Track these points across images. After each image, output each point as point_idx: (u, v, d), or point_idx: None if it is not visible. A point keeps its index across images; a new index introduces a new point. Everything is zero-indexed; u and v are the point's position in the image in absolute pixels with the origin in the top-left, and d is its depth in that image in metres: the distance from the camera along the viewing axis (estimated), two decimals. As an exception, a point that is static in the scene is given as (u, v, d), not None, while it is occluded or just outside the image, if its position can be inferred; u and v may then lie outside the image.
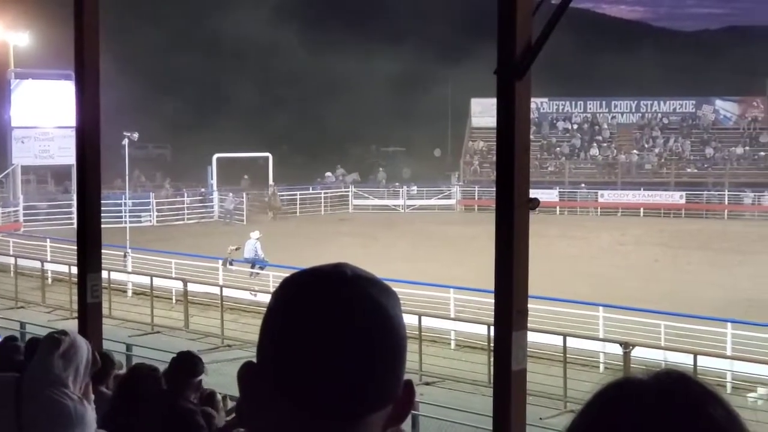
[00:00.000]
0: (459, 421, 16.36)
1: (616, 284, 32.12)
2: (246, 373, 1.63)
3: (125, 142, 38.70)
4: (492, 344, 11.79)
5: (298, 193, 59.22)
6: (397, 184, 64.70)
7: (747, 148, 69.73)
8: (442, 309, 26.67)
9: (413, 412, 15.80)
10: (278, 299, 1.64)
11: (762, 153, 69.49)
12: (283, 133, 73.79)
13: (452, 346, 25.12)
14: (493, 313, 9.03)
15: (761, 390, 20.69)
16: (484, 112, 65.03)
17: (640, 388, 1.40)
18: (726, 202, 61.96)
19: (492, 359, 11.50)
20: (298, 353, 1.57)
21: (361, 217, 56.33)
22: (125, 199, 46.76)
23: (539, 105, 71.38)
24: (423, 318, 23.59)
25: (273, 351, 1.60)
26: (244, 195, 54.80)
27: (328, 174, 65.66)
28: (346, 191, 62.45)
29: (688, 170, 68.21)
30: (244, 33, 77.25)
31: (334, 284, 1.61)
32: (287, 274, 1.71)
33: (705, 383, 1.42)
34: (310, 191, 60.92)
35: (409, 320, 22.98)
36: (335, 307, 1.58)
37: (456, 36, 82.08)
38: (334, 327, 1.57)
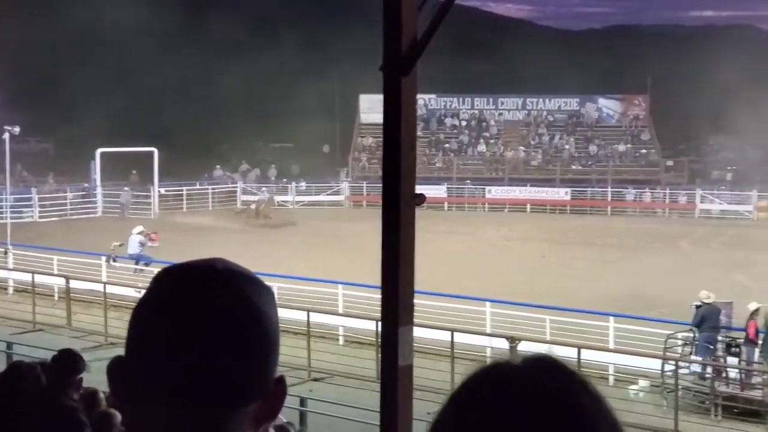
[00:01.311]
0: (348, 417, 16.35)
1: (503, 280, 32.49)
2: (115, 368, 1.62)
3: (5, 136, 37.82)
4: (380, 340, 11.81)
5: (184, 188, 58.59)
6: (285, 180, 64.47)
7: (629, 145, 71.24)
8: (332, 305, 26.64)
9: (302, 408, 15.75)
10: (148, 293, 1.64)
11: (643, 150, 71.08)
12: (171, 128, 72.86)
13: (341, 341, 25.11)
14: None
15: (642, 382, 21.12)
16: (372, 108, 65.12)
17: (509, 374, 1.39)
18: (609, 198, 63.18)
19: (380, 355, 11.52)
20: (165, 346, 1.56)
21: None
22: (6, 194, 45.67)
23: (427, 101, 71.86)
24: (312, 314, 23.52)
25: (141, 344, 1.60)
26: (155, 189, 54.34)
27: (217, 168, 65.17)
28: (234, 187, 61.98)
29: (573, 167, 69.40)
30: (126, 25, 75.99)
31: (203, 278, 1.61)
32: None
33: (574, 370, 1.41)
34: (197, 187, 60.28)
35: (297, 316, 22.97)
36: (203, 300, 1.59)
37: (345, 31, 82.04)
38: (200, 320, 1.57)
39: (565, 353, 20.54)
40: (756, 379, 19.94)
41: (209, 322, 1.57)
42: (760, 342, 19.86)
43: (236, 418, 1.59)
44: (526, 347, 20.32)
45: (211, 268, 1.63)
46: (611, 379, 21.89)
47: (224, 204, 58.84)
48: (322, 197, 62.92)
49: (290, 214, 54.50)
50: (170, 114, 73.50)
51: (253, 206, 52.51)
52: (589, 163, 69.59)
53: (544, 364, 1.40)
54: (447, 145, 71.42)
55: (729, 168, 75.40)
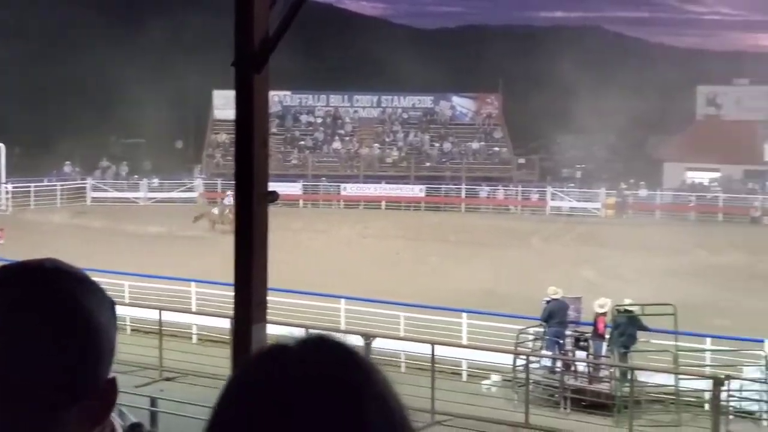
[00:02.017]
0: (200, 417, 16.11)
1: (358, 277, 32.57)
2: None
3: None
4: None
5: (32, 185, 57.08)
6: (137, 176, 63.40)
7: (482, 143, 72.28)
8: (185, 303, 26.28)
9: (153, 408, 15.47)
10: None
11: (496, 148, 72.23)
12: (18, 124, 70.81)
13: (194, 340, 24.79)
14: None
15: (494, 377, 21.42)
16: (226, 104, 64.44)
17: (284, 353, 1.40)
18: (463, 195, 64.00)
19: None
20: None
21: (100, 210, 54.84)
22: None
23: (282, 98, 71.60)
24: (164, 312, 23.14)
25: None
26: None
27: (67, 164, 63.65)
28: (83, 183, 60.68)
29: (428, 164, 70.04)
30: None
31: (29, 278, 1.60)
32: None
33: (351, 348, 1.43)
34: (45, 183, 58.79)
35: (149, 315, 22.59)
36: (27, 299, 1.57)
37: (197, 24, 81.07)
38: (23, 318, 1.56)
39: (419, 349, 20.75)
40: (603, 373, 20.44)
41: (33, 319, 1.55)
42: (607, 336, 20.35)
43: (60, 419, 1.56)
44: (380, 344, 20.42)
45: (39, 267, 1.62)
46: (464, 374, 22.16)
47: (72, 201, 57.54)
48: (175, 194, 62.10)
49: (142, 211, 53.62)
50: (17, 108, 71.45)
51: (215, 210, 50.31)
52: (444, 160, 70.35)
53: (320, 344, 1.42)
54: (302, 142, 71.27)
55: (578, 166, 77.27)
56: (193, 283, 26.69)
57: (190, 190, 63.48)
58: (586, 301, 22.82)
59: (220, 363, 21.04)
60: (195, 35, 78.10)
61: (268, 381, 1.37)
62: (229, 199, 48.92)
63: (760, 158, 63.66)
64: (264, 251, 8.49)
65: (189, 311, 25.63)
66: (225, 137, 67.48)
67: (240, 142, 8.42)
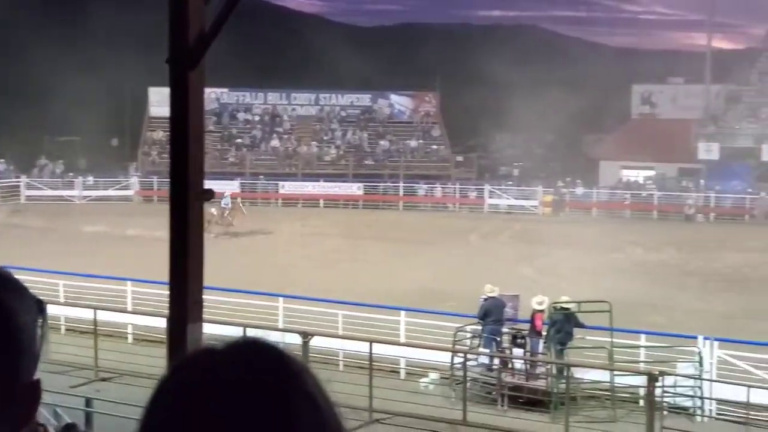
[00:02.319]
0: (136, 417, 15.91)
1: (297, 275, 32.47)
2: None
3: None
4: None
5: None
6: (72, 174, 62.67)
7: (420, 141, 72.44)
8: (121, 302, 26.00)
9: (88, 409, 15.29)
10: None
11: (434, 146, 72.43)
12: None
13: (130, 340, 24.54)
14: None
15: (432, 375, 21.46)
16: (162, 101, 63.94)
17: (216, 356, 1.40)
18: (401, 193, 64.10)
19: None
20: None
21: (34, 208, 54.12)
22: None
23: (219, 95, 71.18)
24: (99, 312, 22.86)
25: None
26: None
27: (1, 162, 62.74)
28: (17, 182, 59.87)
29: (366, 162, 70.04)
30: None
31: None
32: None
33: (282, 350, 1.43)
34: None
35: (84, 314, 22.30)
36: None
37: (134, 20, 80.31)
38: None
39: (357, 348, 20.72)
40: (540, 370, 20.56)
41: None
42: (544, 333, 20.48)
43: None
44: (318, 342, 20.36)
45: None
46: (403, 372, 22.18)
47: (6, 200, 56.75)
48: (110, 192, 61.50)
49: (77, 210, 53.01)
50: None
51: (214, 210, 46.64)
52: (382, 158, 70.40)
53: (251, 347, 1.42)
54: (240, 140, 70.93)
55: (516, 164, 77.76)
56: (129, 282, 26.42)
57: (126, 188, 62.91)
58: (523, 299, 22.94)
59: (157, 363, 20.87)
60: (131, 31, 77.37)
61: (199, 384, 1.36)
62: (227, 199, 47.92)
63: (694, 156, 64.47)
64: (200, 249, 8.41)
65: (125, 311, 25.36)
66: (161, 134, 66.89)
67: (175, 140, 8.34)
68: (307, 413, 1.36)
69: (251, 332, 21.15)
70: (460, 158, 72.89)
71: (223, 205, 47.11)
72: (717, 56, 70.05)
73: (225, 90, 71.64)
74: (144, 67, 61.38)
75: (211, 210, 46.83)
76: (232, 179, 61.90)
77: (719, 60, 69.44)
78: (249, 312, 23.96)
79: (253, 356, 1.40)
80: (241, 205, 49.69)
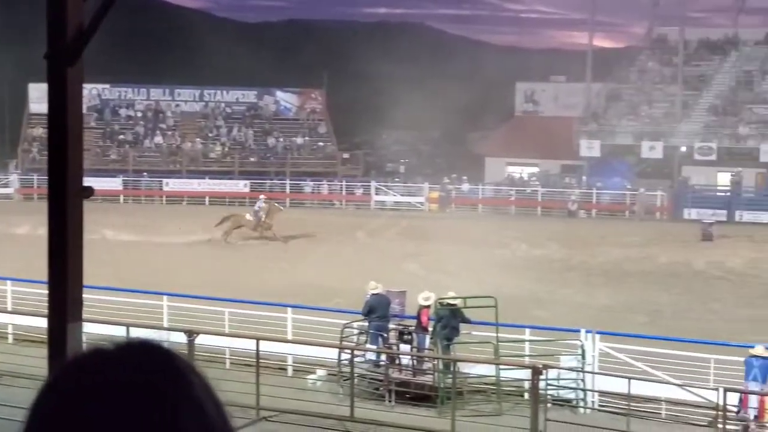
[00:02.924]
0: (17, 419, 15.56)
1: (181, 273, 32.10)
2: None
3: None
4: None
5: None
6: (-51, 172, 61.12)
7: (307, 138, 72.30)
8: (2, 302, 25.38)
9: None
10: None
11: (321, 143, 72.36)
12: None
13: (10, 340, 23.98)
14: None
15: (320, 372, 21.42)
16: (42, 97, 62.35)
17: (101, 359, 1.38)
18: (288, 190, 63.91)
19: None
20: None
21: None
22: None
23: (101, 91, 70.01)
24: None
25: None
26: None
27: None
28: None
29: (252, 159, 69.66)
30: None
31: None
32: None
33: (169, 351, 1.42)
34: None
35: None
36: None
37: (14, 16, 78.57)
38: None
39: (244, 345, 20.58)
40: (427, 365, 20.68)
41: None
42: (430, 329, 20.59)
43: None
44: (204, 340, 20.15)
45: None
46: (290, 369, 22.09)
47: None
48: (-11, 190, 60.11)
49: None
50: None
51: (249, 216, 45.70)
52: (268, 155, 70.09)
53: (137, 349, 1.41)
54: (122, 136, 69.89)
55: (402, 161, 78.17)
56: (8, 282, 25.79)
57: (6, 186, 61.47)
58: (410, 295, 23.04)
59: (38, 363, 20.44)
60: (11, 25, 75.62)
61: (84, 387, 1.34)
62: (261, 202, 46.50)
63: (576, 153, 65.64)
64: (79, 248, 8.24)
65: (5, 310, 24.77)
66: (41, 131, 65.49)
67: (53, 137, 8.16)
68: (192, 413, 1.36)
69: (135, 331, 20.85)
70: (346, 155, 72.97)
71: (256, 209, 46.00)
72: (598, 55, 71.39)
73: (106, 86, 70.46)
74: (24, 63, 60.14)
75: (246, 216, 45.86)
76: (114, 176, 60.99)
77: (600, 58, 70.79)
78: (133, 311, 23.59)
79: (140, 357, 1.39)
80: (277, 205, 48.12)
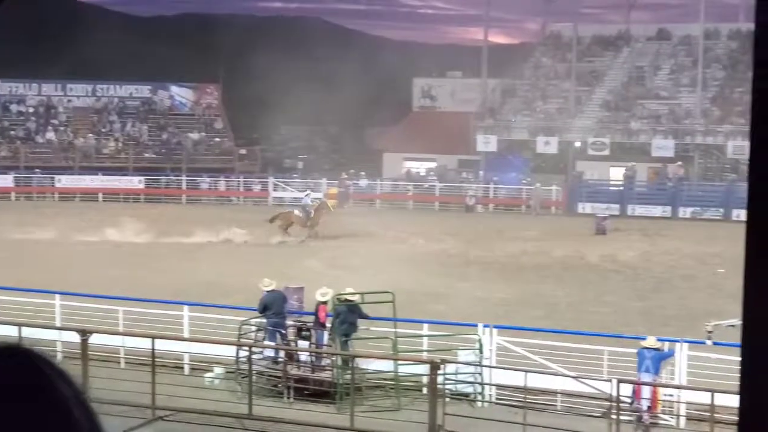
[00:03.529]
0: None
1: (75, 271, 31.53)
2: None
3: None
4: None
5: None
6: None
7: (203, 134, 71.67)
8: None
9: None
10: None
11: (217, 139, 71.80)
12: None
13: None
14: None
15: (218, 370, 21.22)
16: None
17: None
18: (184, 186, 63.27)
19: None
20: None
21: None
22: None
23: (-9, 86, 68.56)
24: None
25: None
26: None
27: None
28: None
29: (147, 155, 68.79)
30: None
31: None
32: None
33: (41, 355, 1.37)
34: None
35: None
36: None
37: None
38: None
39: (140, 344, 20.27)
40: (325, 361, 20.62)
41: None
42: (329, 325, 20.53)
43: None
44: (98, 340, 19.80)
45: None
46: (187, 368, 21.84)
47: None
48: None
49: None
50: None
51: (297, 212, 44.70)
52: (163, 151, 69.27)
53: (4, 352, 1.36)
54: (13, 132, 68.40)
55: (300, 157, 78.00)
56: None
57: None
58: (309, 291, 22.96)
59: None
60: None
61: None
62: (308, 199, 45.41)
63: (473, 148, 66.16)
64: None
65: None
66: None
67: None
68: (58, 416, 1.31)
69: (27, 331, 20.40)
70: (243, 151, 72.53)
71: (303, 204, 44.91)
72: (493, 51, 72.08)
73: (-4, 82, 68.96)
74: None
75: (294, 212, 44.87)
76: (5, 173, 59.70)
77: (496, 54, 71.46)
78: (23, 310, 23.08)
79: (4, 361, 1.34)
80: (329, 204, 46.85)
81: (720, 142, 59.88)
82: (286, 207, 57.47)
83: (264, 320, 21.06)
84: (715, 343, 18.82)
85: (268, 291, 21.09)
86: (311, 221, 44.08)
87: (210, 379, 21.03)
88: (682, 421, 18.46)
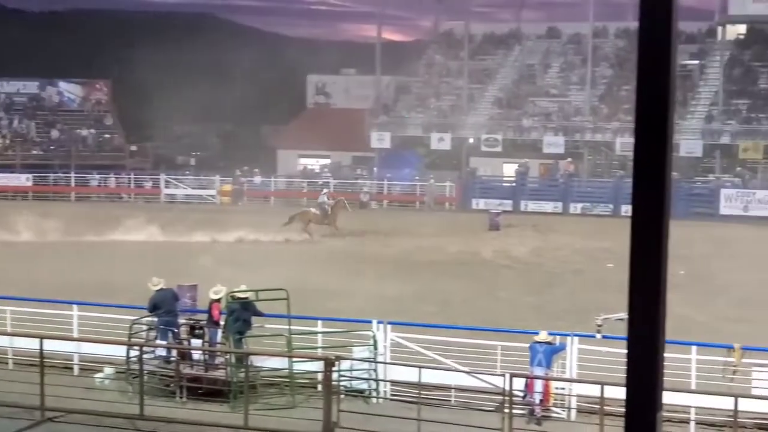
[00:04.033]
0: None
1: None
2: None
3: None
4: None
5: None
6: None
7: (93, 130, 70.50)
8: None
9: None
10: None
11: (107, 136, 70.76)
12: None
13: None
14: None
15: (108, 370, 20.90)
16: None
17: None
18: (73, 183, 62.21)
19: None
20: None
21: None
22: None
23: None
24: None
25: None
26: None
27: None
28: None
29: (35, 152, 67.50)
30: None
31: None
32: None
33: None
34: None
35: None
36: None
37: None
38: None
39: (27, 344, 19.85)
40: (219, 360, 20.43)
41: None
42: (222, 323, 20.36)
43: None
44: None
45: None
46: (76, 368, 21.46)
47: None
48: None
49: None
50: None
51: (315, 210, 45.74)
52: (52, 147, 68.02)
53: None
54: None
55: (193, 153, 77.29)
56: None
57: None
58: (202, 289, 22.75)
59: None
60: None
61: None
62: (324, 197, 46.28)
63: (367, 145, 66.28)
64: None
65: None
66: None
67: None
68: None
69: None
70: (134, 148, 71.61)
71: (320, 202, 45.82)
72: (387, 48, 72.24)
73: None
74: None
75: (311, 210, 45.61)
76: None
77: (390, 52, 71.66)
78: None
79: None
80: (346, 203, 47.41)
81: (609, 139, 61.00)
82: (179, 204, 57.02)
83: (156, 319, 20.80)
84: (604, 337, 19.15)
85: (157, 290, 20.83)
86: (329, 219, 45.39)
87: (100, 380, 20.71)
88: (573, 413, 18.74)
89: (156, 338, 20.81)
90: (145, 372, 19.25)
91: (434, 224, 48.46)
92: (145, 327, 21.04)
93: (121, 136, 71.29)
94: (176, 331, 20.73)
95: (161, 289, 20.88)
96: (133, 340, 20.36)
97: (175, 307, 20.96)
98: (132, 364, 19.84)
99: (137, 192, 62.91)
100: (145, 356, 19.47)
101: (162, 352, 20.62)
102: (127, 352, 20.01)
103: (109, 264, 34.52)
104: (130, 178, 63.93)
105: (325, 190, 49.86)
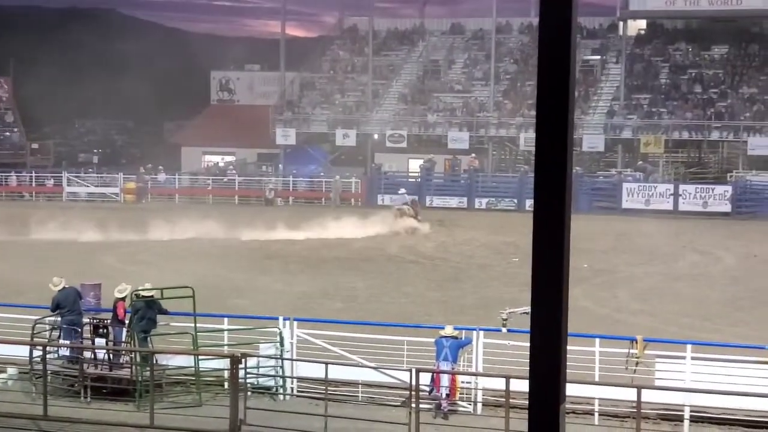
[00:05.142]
0: None
1: None
2: None
3: None
4: None
5: None
6: None
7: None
8: None
9: None
10: None
11: (7, 133, 69.45)
12: None
13: None
14: None
15: (11, 370, 20.59)
16: None
17: None
18: (-28, 182, 61.03)
19: None
20: None
21: None
22: None
23: None
24: None
25: None
26: None
27: None
28: None
29: (-68, 150, 66.03)
30: None
31: None
32: None
33: None
34: None
35: None
36: None
37: None
38: None
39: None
40: (124, 359, 20.23)
41: None
42: (127, 321, 20.16)
43: None
44: None
45: None
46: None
47: None
48: None
49: None
50: None
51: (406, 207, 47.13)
52: (-50, 145, 66.62)
53: None
54: None
55: (96, 151, 76.22)
56: None
57: None
58: (107, 287, 22.49)
59: None
60: None
61: None
62: (405, 197, 48.88)
63: (272, 142, 66.05)
64: None
65: None
66: None
67: None
68: None
69: None
70: (35, 145, 70.37)
71: (401, 202, 47.92)
72: (292, 44, 72.07)
73: None
74: None
75: (405, 207, 47.51)
76: None
77: (294, 48, 71.50)
78: None
79: None
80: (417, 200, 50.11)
81: (512, 134, 61.64)
82: (82, 203, 56.32)
83: (59, 319, 20.52)
84: (509, 331, 19.40)
85: (59, 290, 20.54)
86: (415, 212, 47.52)
87: (3, 380, 20.38)
88: (479, 407, 18.94)
89: (59, 338, 20.52)
90: (49, 372, 19.00)
91: (341, 219, 48.48)
92: (48, 327, 20.75)
93: (21, 134, 69.98)
94: (80, 330, 20.46)
95: (64, 288, 20.59)
96: (35, 339, 20.08)
97: (79, 306, 20.69)
98: (35, 364, 19.57)
99: (39, 190, 61.86)
100: (48, 356, 19.20)
101: (66, 351, 20.34)
102: (30, 352, 19.73)
103: (12, 263, 33.91)
104: (31, 176, 62.84)
105: (402, 189, 51.48)
